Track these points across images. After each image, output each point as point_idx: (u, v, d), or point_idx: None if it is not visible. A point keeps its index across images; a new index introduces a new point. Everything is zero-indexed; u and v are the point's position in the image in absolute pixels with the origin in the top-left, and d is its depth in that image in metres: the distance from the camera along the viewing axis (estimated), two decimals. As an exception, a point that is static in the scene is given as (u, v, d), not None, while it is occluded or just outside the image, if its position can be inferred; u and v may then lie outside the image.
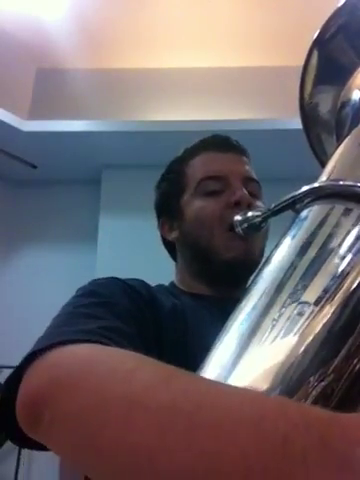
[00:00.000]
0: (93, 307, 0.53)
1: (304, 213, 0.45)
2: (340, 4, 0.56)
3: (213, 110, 2.69)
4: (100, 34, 2.65)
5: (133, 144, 2.58)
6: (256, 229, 0.67)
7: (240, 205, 0.70)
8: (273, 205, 0.57)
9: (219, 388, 0.33)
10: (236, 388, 0.34)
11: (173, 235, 0.80)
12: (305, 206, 0.46)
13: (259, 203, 0.74)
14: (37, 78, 2.91)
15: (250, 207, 0.70)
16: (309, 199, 0.45)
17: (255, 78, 2.78)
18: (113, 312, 0.53)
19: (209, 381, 0.35)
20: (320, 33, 0.57)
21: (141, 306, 0.59)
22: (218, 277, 0.74)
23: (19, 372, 0.42)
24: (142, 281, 0.67)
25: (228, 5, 2.50)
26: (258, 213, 0.65)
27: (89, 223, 2.77)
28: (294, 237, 0.44)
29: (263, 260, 0.47)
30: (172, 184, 0.81)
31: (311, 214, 0.44)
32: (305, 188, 0.46)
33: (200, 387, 0.33)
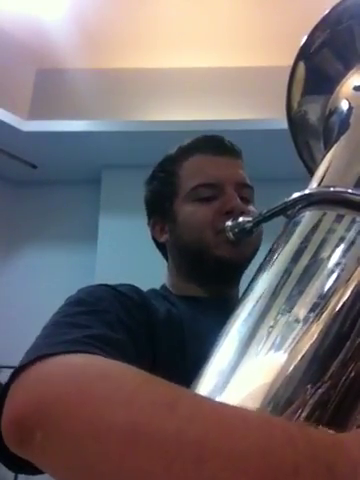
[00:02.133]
0: (80, 316, 0.51)
1: (296, 219, 0.45)
2: (325, 14, 0.56)
3: (213, 110, 2.69)
4: (100, 34, 2.65)
5: (133, 144, 2.57)
6: (247, 234, 0.67)
7: (232, 214, 0.70)
8: (265, 211, 0.57)
9: (225, 413, 0.32)
10: (241, 411, 0.33)
11: (164, 237, 0.79)
12: (297, 212, 0.46)
13: (251, 207, 0.74)
14: (37, 78, 2.91)
15: (242, 214, 0.69)
16: (300, 205, 0.46)
17: (255, 78, 2.77)
18: (101, 320, 0.51)
19: (213, 404, 0.34)
20: (306, 42, 0.58)
21: (132, 312, 0.57)
22: (209, 276, 0.73)
23: (6, 390, 0.40)
24: (133, 286, 0.65)
25: (228, 5, 2.49)
26: (249, 218, 0.65)
27: (89, 223, 2.78)
28: (287, 243, 0.44)
29: (257, 267, 0.47)
30: (164, 184, 0.79)
31: (303, 220, 0.44)
32: (296, 195, 0.46)
33: (205, 412, 0.32)
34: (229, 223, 0.68)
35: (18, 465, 0.41)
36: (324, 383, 0.34)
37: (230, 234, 0.68)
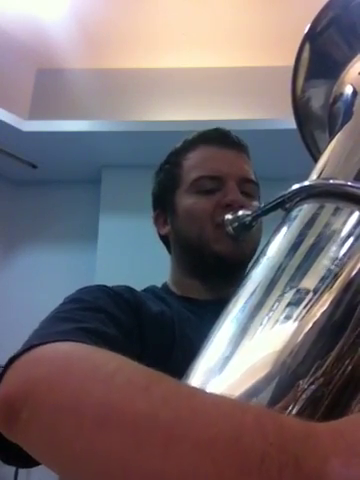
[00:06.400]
0: (74, 311, 0.53)
1: (294, 212, 0.45)
2: None
3: (213, 110, 2.68)
4: (100, 34, 2.65)
5: (133, 144, 2.57)
6: (246, 228, 0.67)
7: (232, 207, 0.69)
8: (263, 204, 0.57)
9: (199, 398, 0.32)
10: (216, 398, 0.33)
11: (166, 230, 0.80)
12: (295, 205, 0.45)
13: (255, 203, 0.73)
14: (37, 78, 2.91)
15: (242, 208, 0.69)
16: (299, 198, 0.45)
17: (255, 78, 2.77)
18: (94, 316, 0.53)
19: (189, 389, 0.34)
20: (311, 26, 0.57)
21: (127, 312, 0.59)
22: (210, 271, 0.73)
23: (1, 378, 0.42)
24: (128, 287, 0.66)
25: (228, 5, 2.49)
26: (248, 212, 0.65)
27: (89, 223, 2.77)
28: (283, 237, 0.44)
29: (252, 260, 0.47)
30: (168, 175, 0.80)
31: (301, 213, 0.44)
32: (295, 187, 0.45)
33: (180, 396, 0.32)
34: (229, 216, 0.68)
35: (12, 458, 0.43)
36: (317, 379, 0.33)
37: (229, 228, 0.68)
